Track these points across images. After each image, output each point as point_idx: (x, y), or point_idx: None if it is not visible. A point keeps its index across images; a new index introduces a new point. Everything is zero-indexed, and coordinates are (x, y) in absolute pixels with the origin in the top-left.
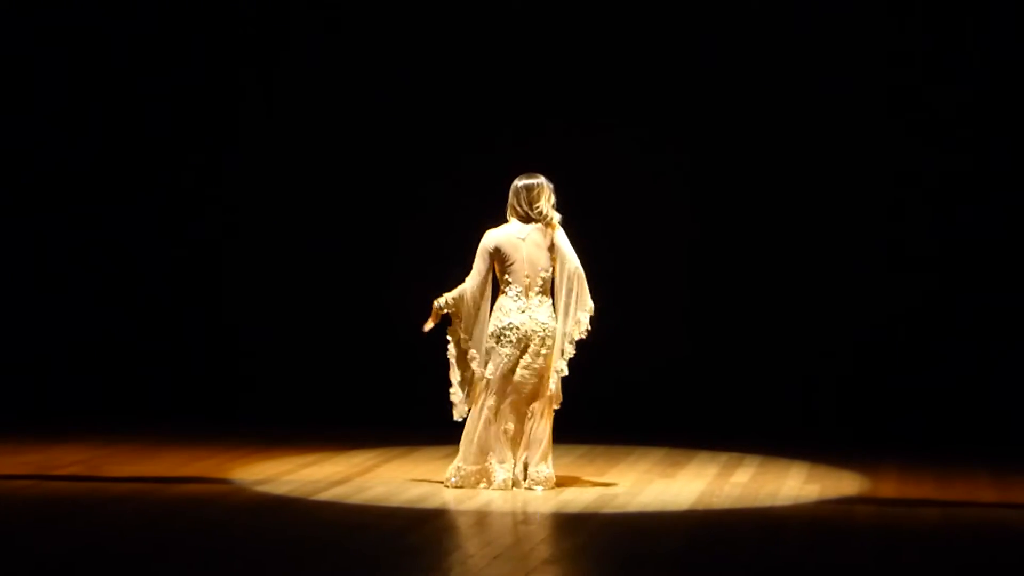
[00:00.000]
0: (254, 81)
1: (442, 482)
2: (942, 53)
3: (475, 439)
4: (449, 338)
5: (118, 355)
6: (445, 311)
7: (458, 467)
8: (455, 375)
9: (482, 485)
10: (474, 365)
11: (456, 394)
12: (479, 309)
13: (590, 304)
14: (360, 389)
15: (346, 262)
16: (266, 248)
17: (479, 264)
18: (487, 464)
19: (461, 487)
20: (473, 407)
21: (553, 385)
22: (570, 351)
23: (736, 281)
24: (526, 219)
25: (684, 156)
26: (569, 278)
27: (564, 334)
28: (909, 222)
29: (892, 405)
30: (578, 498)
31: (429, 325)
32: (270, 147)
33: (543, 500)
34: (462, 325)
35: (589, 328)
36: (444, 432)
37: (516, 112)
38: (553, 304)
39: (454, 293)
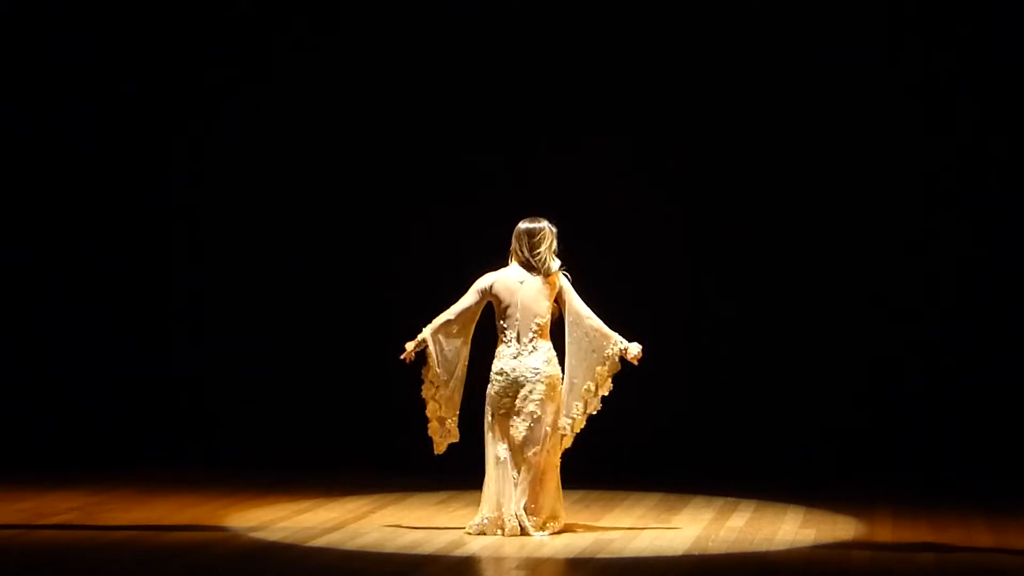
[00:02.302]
0: (233, 92)
1: (464, 528)
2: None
3: (492, 485)
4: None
5: (108, 400)
6: (421, 349)
7: (483, 516)
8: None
9: (498, 532)
10: (433, 402)
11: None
12: (454, 339)
13: (616, 343)
14: (354, 435)
15: (335, 308)
16: (255, 291)
17: (467, 297)
18: (502, 511)
19: (483, 533)
20: (488, 453)
21: (565, 430)
22: (579, 412)
23: (732, 326)
24: (527, 265)
25: (683, 202)
26: (586, 334)
27: (573, 391)
28: (900, 271)
29: (887, 448)
30: (573, 543)
31: (409, 349)
32: (249, 197)
33: (538, 545)
34: (432, 360)
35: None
36: (438, 478)
37: (511, 137)
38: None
39: (432, 326)
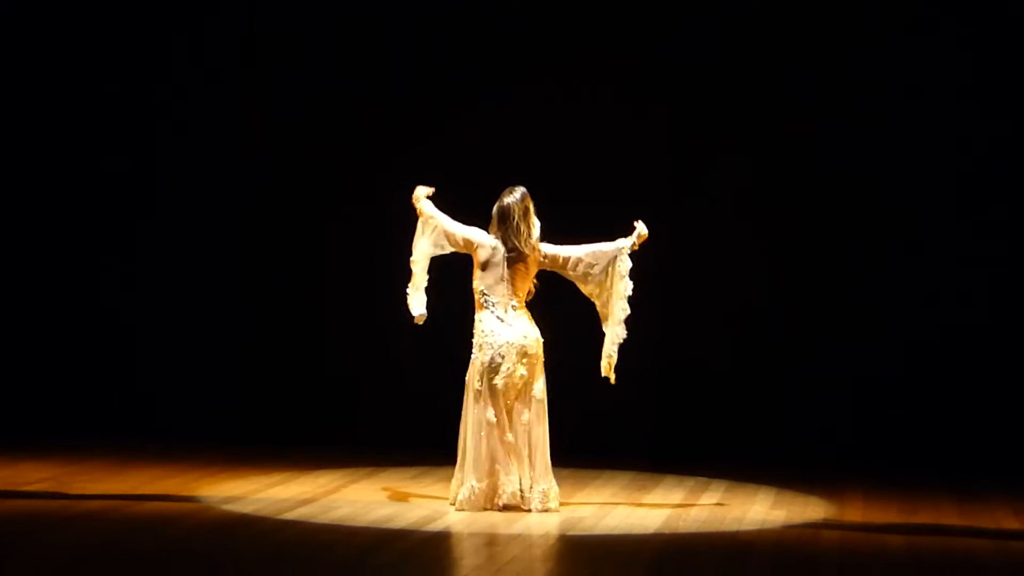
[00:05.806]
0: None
1: (451, 503)
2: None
3: (481, 452)
4: None
5: (82, 370)
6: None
7: (472, 486)
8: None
9: (491, 505)
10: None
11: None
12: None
13: (623, 251)
14: (326, 409)
15: (315, 281)
16: (232, 264)
17: (461, 227)
18: (496, 477)
19: (474, 507)
20: (464, 419)
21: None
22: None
23: (705, 304)
24: (509, 243)
25: (681, 171)
26: (595, 269)
27: (610, 339)
28: (874, 259)
29: (859, 431)
30: (545, 520)
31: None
32: (201, 150)
33: (508, 521)
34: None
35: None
36: (411, 452)
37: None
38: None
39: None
